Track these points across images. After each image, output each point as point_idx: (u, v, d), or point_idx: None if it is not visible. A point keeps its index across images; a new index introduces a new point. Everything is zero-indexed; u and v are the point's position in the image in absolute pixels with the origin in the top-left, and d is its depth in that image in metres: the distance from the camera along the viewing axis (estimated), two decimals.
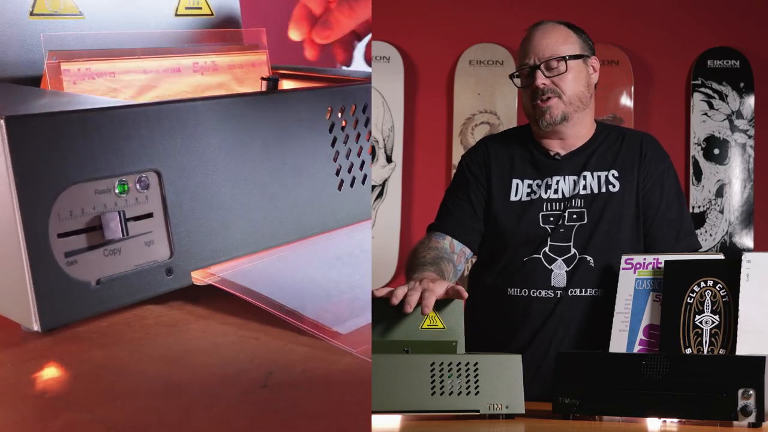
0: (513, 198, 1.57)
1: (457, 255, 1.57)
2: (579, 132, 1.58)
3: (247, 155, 1.24)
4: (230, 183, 1.22)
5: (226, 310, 1.16)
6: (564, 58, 1.53)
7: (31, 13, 1.40)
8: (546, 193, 1.55)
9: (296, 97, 1.33)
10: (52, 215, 1.03)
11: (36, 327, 1.03)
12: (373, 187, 3.02)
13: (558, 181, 1.56)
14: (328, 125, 1.35)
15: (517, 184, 1.58)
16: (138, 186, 1.12)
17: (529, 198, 1.56)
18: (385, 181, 2.99)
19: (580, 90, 1.55)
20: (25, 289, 1.02)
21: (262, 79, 1.40)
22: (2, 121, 0.99)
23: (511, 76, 1.59)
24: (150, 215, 1.14)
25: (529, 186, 1.57)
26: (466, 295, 1.26)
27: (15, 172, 0.99)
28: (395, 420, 1.19)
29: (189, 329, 1.11)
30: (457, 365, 1.18)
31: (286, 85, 1.61)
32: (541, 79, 1.52)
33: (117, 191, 1.10)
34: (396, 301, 1.23)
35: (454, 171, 1.79)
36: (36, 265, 1.02)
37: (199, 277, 1.18)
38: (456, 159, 2.92)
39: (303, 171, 1.32)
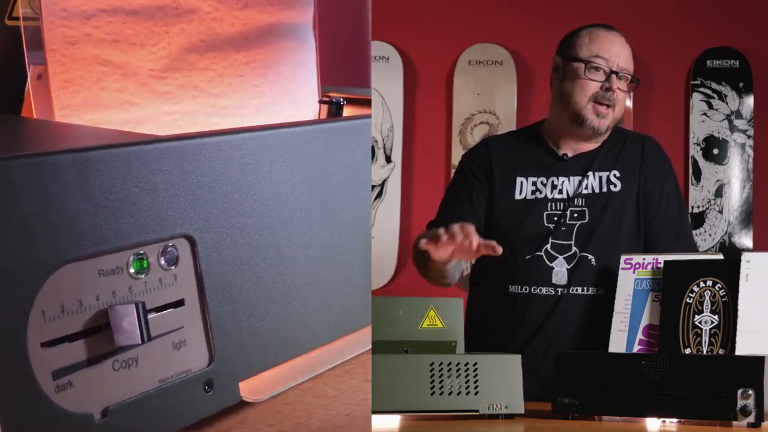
0: (518, 197, 1.57)
1: None
2: (599, 142, 1.59)
3: (311, 207, 0.90)
4: (291, 249, 0.88)
5: None
6: (636, 81, 1.56)
7: (9, 17, 1.18)
8: (551, 192, 1.56)
9: (367, 127, 1.00)
10: (33, 312, 0.68)
11: None
12: (373, 187, 3.02)
13: (563, 182, 1.56)
14: None
15: (522, 182, 1.58)
16: (163, 261, 0.79)
17: (534, 196, 1.56)
18: (385, 181, 2.99)
19: (622, 111, 1.58)
20: None
21: (321, 102, 1.10)
22: None
23: (568, 58, 1.57)
24: (180, 303, 0.81)
25: (534, 184, 1.57)
26: (500, 250, 1.29)
27: None
28: (395, 420, 1.19)
29: None
30: (457, 365, 1.18)
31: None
32: (615, 85, 1.54)
33: (132, 270, 0.76)
34: (444, 236, 1.27)
35: (453, 171, 1.79)
36: (7, 394, 0.65)
37: (250, 392, 0.84)
38: (455, 159, 2.92)
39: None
